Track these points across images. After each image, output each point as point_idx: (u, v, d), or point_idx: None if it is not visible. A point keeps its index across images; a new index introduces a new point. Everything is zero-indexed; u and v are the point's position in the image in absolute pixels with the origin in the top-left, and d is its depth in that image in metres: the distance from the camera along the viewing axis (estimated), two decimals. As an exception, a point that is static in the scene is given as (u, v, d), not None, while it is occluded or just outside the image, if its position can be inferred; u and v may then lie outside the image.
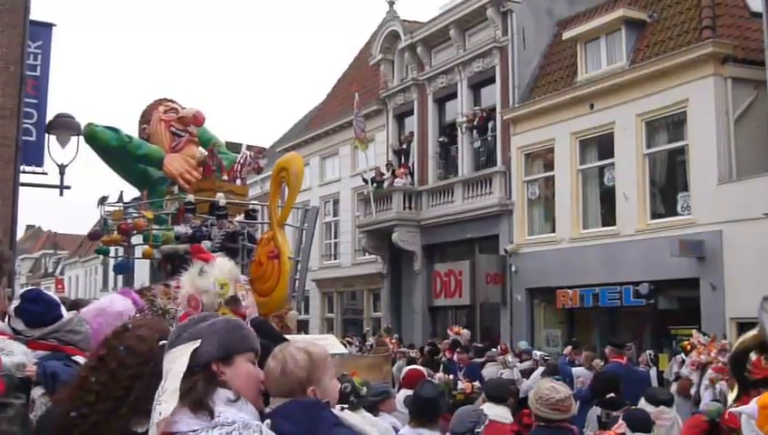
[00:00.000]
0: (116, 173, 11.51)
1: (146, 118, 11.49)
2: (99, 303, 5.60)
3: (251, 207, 10.72)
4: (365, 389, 6.42)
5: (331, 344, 8.63)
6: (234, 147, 11.67)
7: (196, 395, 2.75)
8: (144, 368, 3.10)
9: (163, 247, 9.45)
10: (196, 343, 2.85)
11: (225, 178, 10.81)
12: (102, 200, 10.71)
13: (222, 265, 5.39)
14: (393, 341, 22.61)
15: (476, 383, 13.61)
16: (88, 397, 3.11)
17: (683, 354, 15.85)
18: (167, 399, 2.75)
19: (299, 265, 9.46)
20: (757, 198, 18.14)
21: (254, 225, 10.47)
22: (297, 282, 9.21)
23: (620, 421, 6.84)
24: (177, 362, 2.82)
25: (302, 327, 25.97)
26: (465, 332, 22.43)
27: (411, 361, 18.20)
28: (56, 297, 4.59)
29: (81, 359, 3.94)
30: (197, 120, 11.06)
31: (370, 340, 24.36)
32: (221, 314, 4.86)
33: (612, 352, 13.64)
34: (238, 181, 10.91)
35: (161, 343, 3.04)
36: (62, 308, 4.44)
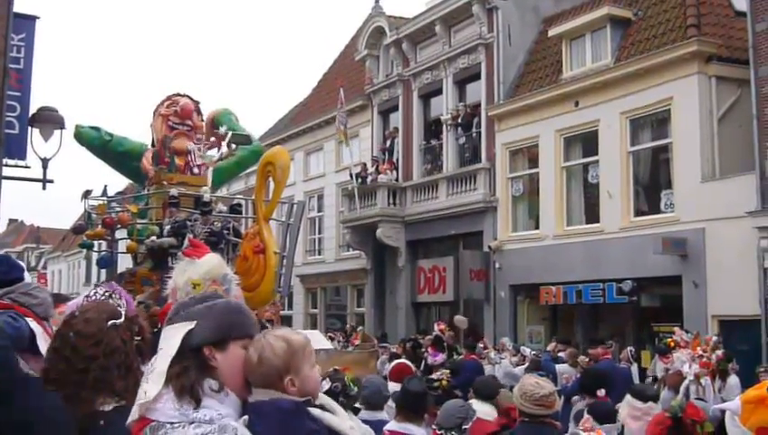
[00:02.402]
0: (113, 170, 11.59)
1: (154, 113, 11.61)
2: (82, 298, 5.57)
3: (236, 201, 10.72)
4: (356, 389, 6.39)
5: (316, 340, 8.61)
6: (239, 137, 11.78)
7: (187, 381, 2.71)
8: (96, 349, 3.13)
9: (147, 241, 9.42)
10: (191, 325, 2.81)
11: (198, 172, 10.85)
12: (86, 194, 10.69)
13: (201, 265, 5.35)
14: (359, 335, 22.63)
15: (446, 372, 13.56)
16: (49, 387, 3.15)
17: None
18: (153, 379, 2.72)
19: (284, 260, 9.42)
20: (740, 196, 18.23)
21: (240, 219, 10.47)
22: (283, 277, 9.16)
23: (586, 415, 6.93)
24: (169, 343, 2.79)
25: (286, 323, 25.92)
26: (463, 319, 22.38)
27: (395, 356, 18.21)
28: (23, 264, 4.60)
29: (34, 323, 3.91)
30: (183, 112, 11.08)
31: (354, 335, 24.35)
32: None
33: (603, 351, 13.57)
34: (198, 171, 10.96)
35: (110, 322, 3.07)
36: (26, 274, 4.45)
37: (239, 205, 10.90)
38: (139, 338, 3.28)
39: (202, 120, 11.70)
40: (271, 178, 8.12)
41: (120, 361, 3.15)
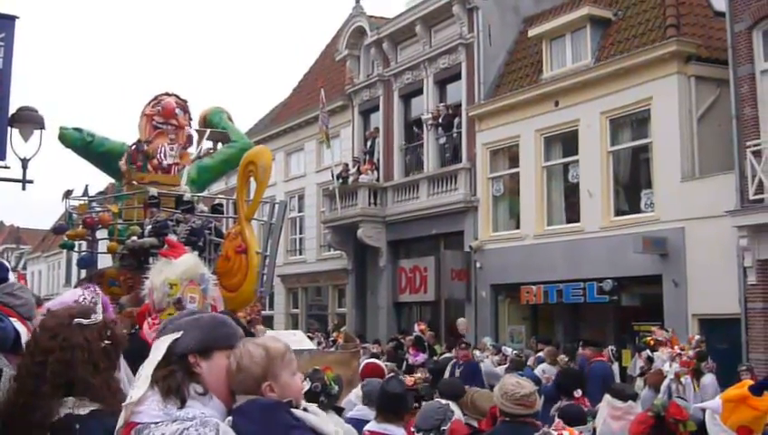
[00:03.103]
0: (98, 169, 11.60)
1: (141, 113, 11.62)
2: (62, 297, 5.54)
3: (217, 201, 10.70)
4: (336, 387, 6.39)
5: (299, 340, 8.61)
6: (217, 135, 11.80)
7: (174, 382, 2.78)
8: (53, 342, 3.19)
9: (128, 242, 9.38)
10: (178, 335, 2.88)
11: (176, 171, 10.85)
12: (67, 194, 10.67)
13: (177, 265, 5.35)
14: (341, 335, 22.62)
15: (418, 375, 13.56)
16: (18, 382, 3.24)
17: (648, 350, 16.01)
18: (139, 385, 2.80)
19: (267, 260, 9.40)
20: (719, 195, 18.33)
21: (221, 219, 10.46)
22: (265, 277, 9.14)
23: (557, 419, 7.00)
24: (155, 351, 2.87)
25: (267, 323, 25.87)
26: (463, 322, 22.48)
27: (374, 356, 18.21)
28: (8, 265, 4.59)
29: (18, 324, 3.91)
30: (165, 111, 11.07)
31: (335, 336, 24.33)
32: (167, 314, 4.86)
33: (593, 351, 13.57)
34: (170, 170, 10.99)
35: (75, 320, 3.11)
36: (11, 274, 4.45)
37: (221, 205, 10.88)
38: (109, 342, 3.30)
39: (190, 119, 11.68)
40: (252, 178, 8.10)
41: (83, 358, 3.17)
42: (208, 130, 11.95)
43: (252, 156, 8.26)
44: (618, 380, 15.40)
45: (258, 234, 10.22)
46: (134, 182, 10.72)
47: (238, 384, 2.85)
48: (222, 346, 2.90)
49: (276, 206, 9.55)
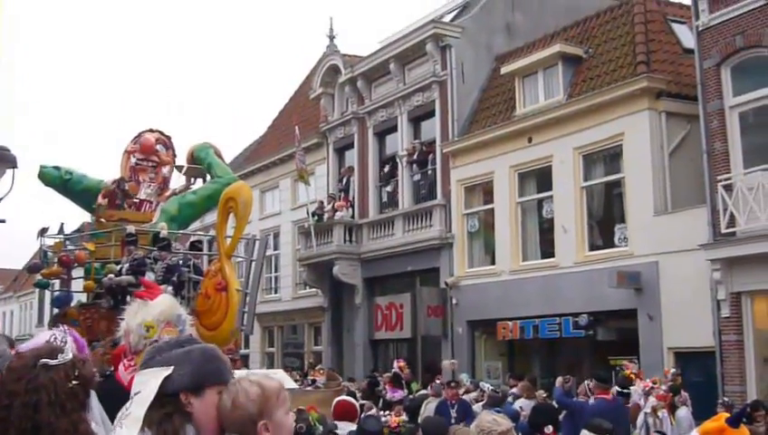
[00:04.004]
0: (82, 208, 11.61)
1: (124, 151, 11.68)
2: (35, 339, 5.49)
3: (194, 238, 10.67)
4: (321, 428, 6.35)
5: (280, 379, 8.54)
6: (194, 171, 11.81)
7: (170, 427, 2.74)
8: (18, 385, 3.12)
9: (104, 280, 9.33)
10: (169, 370, 2.83)
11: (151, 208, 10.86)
12: (42, 232, 10.61)
13: (154, 307, 5.30)
14: (321, 373, 22.49)
15: (404, 417, 13.52)
16: None
17: (616, 387, 15.97)
18: (128, 424, 2.74)
19: (247, 298, 9.33)
20: (692, 229, 18.49)
21: (200, 256, 10.42)
22: (246, 315, 9.06)
23: None
24: (146, 387, 2.80)
25: (243, 362, 25.72)
26: (448, 363, 22.42)
27: (351, 394, 18.13)
28: None
29: None
30: (143, 148, 11.11)
31: (312, 374, 24.18)
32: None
33: (597, 387, 13.45)
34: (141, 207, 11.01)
35: (42, 361, 3.07)
36: None
37: (199, 241, 10.85)
38: (77, 382, 3.26)
39: (174, 155, 11.70)
40: (233, 214, 8.07)
41: (49, 400, 3.12)
42: (185, 166, 11.96)
43: (232, 192, 8.24)
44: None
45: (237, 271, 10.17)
46: (102, 220, 10.70)
47: (232, 423, 2.80)
48: (213, 382, 2.86)
49: (257, 242, 9.51)
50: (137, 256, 9.15)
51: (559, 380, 17.39)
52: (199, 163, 12.03)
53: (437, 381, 18.49)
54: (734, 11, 18.01)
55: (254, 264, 9.46)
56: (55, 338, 3.82)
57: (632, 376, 15.83)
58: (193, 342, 3.04)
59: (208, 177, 12.86)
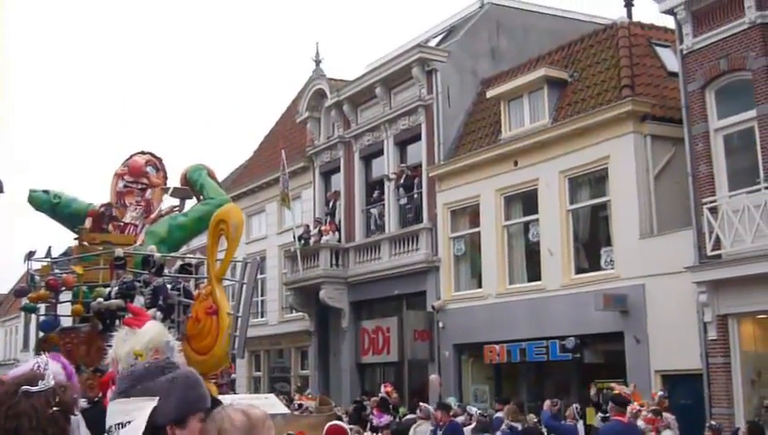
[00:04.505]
0: (69, 230, 11.58)
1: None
2: (25, 365, 5.46)
3: (186, 260, 10.63)
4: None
5: (272, 404, 8.49)
6: (181, 192, 11.79)
7: None
8: None
9: (93, 304, 9.28)
10: (154, 402, 2.80)
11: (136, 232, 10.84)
12: (30, 255, 10.55)
13: (142, 335, 5.29)
14: (309, 397, 22.42)
15: None
16: None
17: (600, 413, 15.98)
18: None
19: (238, 322, 9.25)
20: (678, 251, 18.57)
21: (190, 279, 10.36)
22: (237, 339, 8.98)
23: None
24: (133, 419, 2.78)
25: (230, 387, 25.52)
26: (435, 378, 22.38)
27: (338, 419, 18.03)
28: None
29: None
30: (131, 170, 11.10)
31: (297, 398, 24.07)
32: None
33: (614, 410, 13.40)
34: (136, 232, 10.99)
35: (23, 388, 3.06)
36: None
37: (189, 264, 10.80)
38: (57, 408, 3.25)
39: (165, 177, 11.69)
40: (224, 237, 8.04)
41: (30, 426, 3.11)
42: (171, 188, 11.94)
43: (222, 214, 8.20)
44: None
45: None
46: (85, 243, 10.68)
47: None
48: (196, 410, 2.87)
49: (248, 265, 9.46)
50: (126, 280, 9.10)
51: (547, 403, 17.39)
52: (192, 185, 11.99)
53: (424, 405, 18.36)
54: (718, 34, 18.18)
55: (245, 287, 9.40)
56: (38, 365, 3.81)
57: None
58: (173, 367, 3.01)
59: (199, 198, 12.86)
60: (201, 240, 18.76)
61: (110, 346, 5.42)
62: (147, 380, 2.88)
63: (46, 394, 3.22)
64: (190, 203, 12.50)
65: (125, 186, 11.18)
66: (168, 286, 9.17)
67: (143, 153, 11.64)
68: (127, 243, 10.71)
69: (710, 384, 17.84)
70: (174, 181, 12.07)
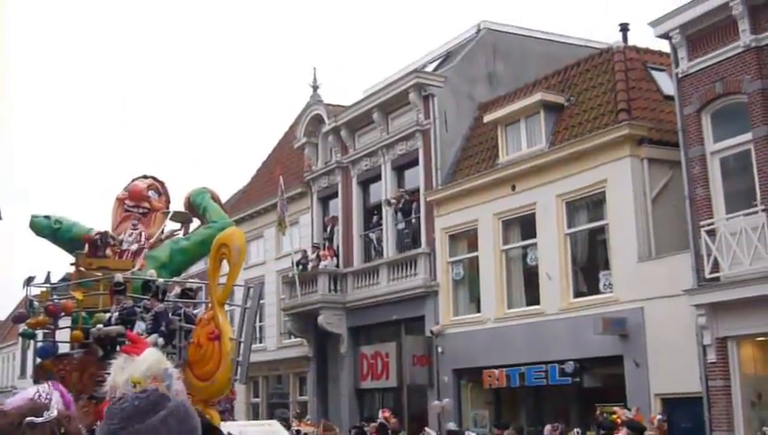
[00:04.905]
0: (70, 255, 11.60)
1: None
2: (25, 393, 5.44)
3: (187, 285, 10.61)
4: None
5: (275, 431, 8.47)
6: (180, 216, 11.81)
7: None
8: None
9: (93, 330, 9.26)
10: None
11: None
12: (29, 281, 10.55)
13: (140, 362, 5.26)
14: (308, 423, 22.37)
15: None
16: None
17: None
18: None
19: (241, 347, 9.18)
20: (676, 274, 18.59)
21: (192, 304, 10.32)
22: (240, 364, 8.91)
23: None
24: None
25: (230, 413, 25.41)
26: (437, 404, 22.32)
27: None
28: None
29: None
30: (132, 194, 11.12)
31: (296, 424, 23.99)
32: None
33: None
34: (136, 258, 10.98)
35: (27, 419, 3.04)
36: None
37: (190, 289, 10.77)
38: None
39: (168, 201, 11.71)
40: (226, 261, 8.02)
41: None
42: (171, 211, 11.96)
43: (224, 238, 8.18)
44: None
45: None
46: (81, 268, 10.67)
47: None
48: None
49: (250, 289, 9.43)
50: (126, 305, 9.08)
51: (548, 428, 17.38)
52: (196, 208, 12.00)
53: (426, 430, 18.35)
54: (713, 58, 18.30)
55: (247, 311, 9.35)
56: (39, 395, 3.79)
57: (618, 420, 15.80)
58: (165, 401, 2.96)
59: (196, 222, 12.86)
60: (198, 266, 18.79)
61: (106, 373, 5.40)
62: (136, 420, 2.77)
63: (51, 425, 3.19)
64: (195, 224, 12.52)
65: (126, 210, 11.19)
66: (169, 312, 9.14)
67: (145, 177, 11.67)
68: (124, 268, 10.69)
69: (710, 407, 17.80)
70: (177, 205, 12.10)
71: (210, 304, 8.60)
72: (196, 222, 13.05)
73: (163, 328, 8.99)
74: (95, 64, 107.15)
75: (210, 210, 12.02)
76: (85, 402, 8.53)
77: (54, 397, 3.55)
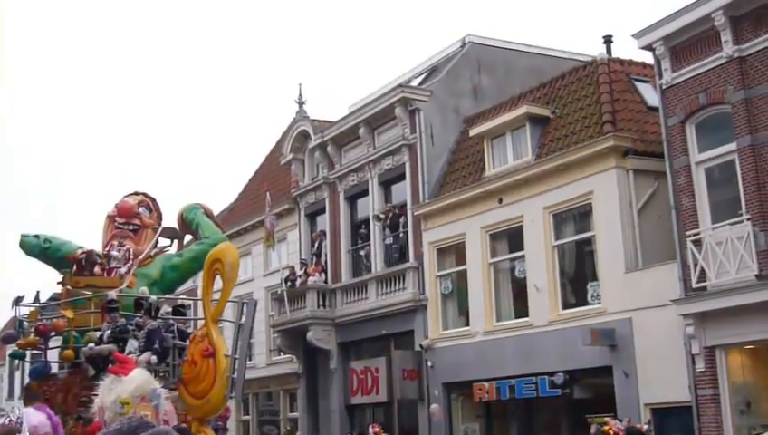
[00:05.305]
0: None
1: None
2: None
3: (180, 302, 10.60)
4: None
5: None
6: (170, 231, 11.80)
7: None
8: None
9: (84, 350, 9.23)
10: None
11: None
12: (17, 301, 10.49)
13: (129, 383, 5.28)
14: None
15: None
16: None
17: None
18: None
19: (236, 363, 9.12)
20: (663, 284, 18.69)
21: (185, 321, 10.29)
22: (235, 381, 8.86)
23: None
24: None
25: (224, 431, 25.30)
26: (435, 407, 22.32)
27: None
28: None
29: None
30: (120, 211, 11.12)
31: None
32: None
33: None
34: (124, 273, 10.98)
35: None
36: None
37: (183, 306, 10.74)
38: None
39: (159, 218, 11.70)
40: (219, 277, 8.00)
41: None
42: (161, 227, 11.94)
43: (218, 253, 8.17)
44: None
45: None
46: (69, 287, 10.65)
47: None
48: None
49: (245, 305, 9.41)
50: (118, 324, 9.07)
51: None
52: (189, 224, 11.99)
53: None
54: (697, 69, 18.44)
55: (242, 328, 9.34)
56: (11, 419, 3.81)
57: (611, 432, 15.85)
58: (146, 427, 2.96)
59: (188, 238, 12.84)
60: (187, 284, 18.74)
61: (92, 394, 5.40)
62: None
63: None
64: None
65: (116, 227, 11.18)
66: (162, 329, 9.13)
67: (136, 194, 11.67)
68: (112, 285, 10.66)
69: (699, 416, 17.86)
70: (169, 221, 12.10)
71: (204, 321, 8.59)
72: (189, 238, 13.07)
73: (156, 346, 8.97)
74: (78, 82, 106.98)
75: (203, 226, 12.00)
76: (74, 424, 8.51)
77: (34, 418, 3.59)
